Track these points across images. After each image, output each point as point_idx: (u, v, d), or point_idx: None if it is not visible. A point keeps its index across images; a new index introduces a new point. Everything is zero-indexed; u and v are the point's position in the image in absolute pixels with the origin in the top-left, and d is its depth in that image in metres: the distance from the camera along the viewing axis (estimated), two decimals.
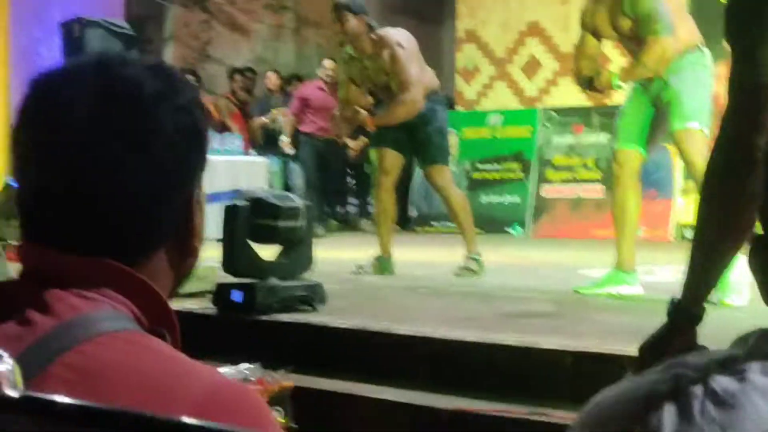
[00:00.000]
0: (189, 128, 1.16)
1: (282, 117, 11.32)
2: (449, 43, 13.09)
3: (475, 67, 11.96)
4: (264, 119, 11.70)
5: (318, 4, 14.36)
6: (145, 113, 1.12)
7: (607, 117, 10.25)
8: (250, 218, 4.48)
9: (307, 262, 4.69)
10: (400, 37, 6.65)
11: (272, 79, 11.95)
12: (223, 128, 11.38)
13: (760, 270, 0.96)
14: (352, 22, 6.56)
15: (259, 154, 11.28)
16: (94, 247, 1.11)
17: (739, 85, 1.77)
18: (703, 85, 5.25)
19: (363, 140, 11.53)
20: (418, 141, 6.66)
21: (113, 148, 1.10)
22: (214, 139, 10.20)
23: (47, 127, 1.12)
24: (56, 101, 1.12)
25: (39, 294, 1.08)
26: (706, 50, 5.34)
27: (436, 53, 13.95)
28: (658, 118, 5.30)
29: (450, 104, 12.06)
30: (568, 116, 10.63)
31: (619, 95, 10.75)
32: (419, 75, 6.56)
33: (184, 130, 1.15)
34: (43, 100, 1.14)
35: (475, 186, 11.04)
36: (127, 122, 1.11)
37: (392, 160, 6.77)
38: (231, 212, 4.56)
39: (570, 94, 10.85)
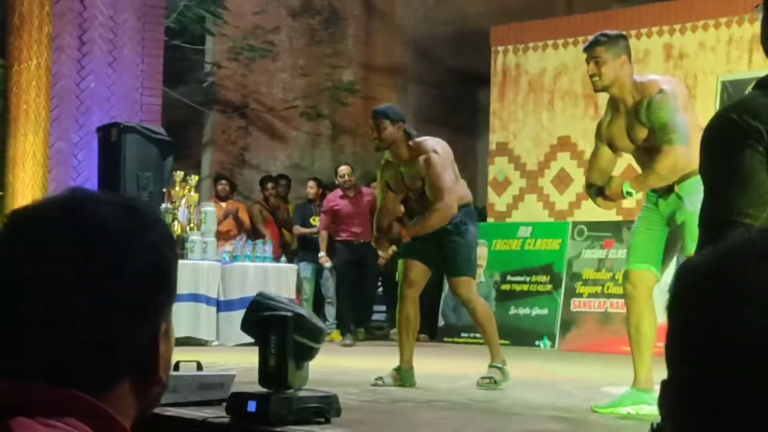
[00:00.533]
0: (157, 266, 1.20)
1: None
2: (482, 155, 13.22)
3: (507, 179, 12.06)
4: (303, 230, 11.78)
5: (353, 112, 14.59)
6: (114, 252, 1.17)
7: None
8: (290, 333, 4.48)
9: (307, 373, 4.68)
10: (436, 144, 6.77)
11: (312, 188, 12.05)
12: (255, 234, 11.47)
13: (671, 414, 0.98)
14: (390, 129, 6.69)
15: (292, 260, 11.36)
16: (60, 377, 1.16)
17: (706, 220, 1.84)
18: None
19: (393, 249, 11.55)
20: (447, 253, 6.72)
21: (82, 284, 1.16)
22: (247, 246, 10.29)
23: (18, 262, 1.17)
24: (28, 239, 1.18)
25: (4, 421, 1.13)
26: None
27: (469, 165, 14.09)
28: (672, 238, 5.30)
29: (481, 215, 12.13)
30: (598, 230, 10.65)
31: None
32: (453, 182, 6.67)
33: (152, 267, 1.19)
34: (15, 236, 1.19)
35: (504, 298, 11.04)
36: (97, 260, 1.17)
37: (418, 272, 6.83)
38: (279, 322, 4.52)
39: (599, 209, 10.90)
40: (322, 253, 11.23)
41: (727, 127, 1.89)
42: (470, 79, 13.91)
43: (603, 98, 10.97)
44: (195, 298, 9.58)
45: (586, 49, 5.58)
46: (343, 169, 11.33)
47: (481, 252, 11.22)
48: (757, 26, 7.86)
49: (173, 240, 1.27)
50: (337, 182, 11.45)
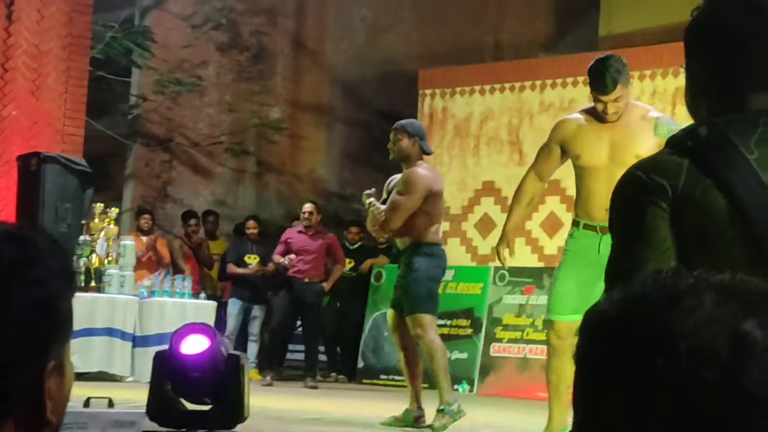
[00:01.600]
0: (42, 301, 1.13)
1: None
2: None
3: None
4: (236, 269, 11.70)
5: (279, 150, 14.56)
6: None
7: None
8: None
9: (238, 412, 4.62)
10: (431, 173, 6.94)
11: (251, 228, 11.98)
12: (175, 269, 11.36)
13: None
14: (405, 142, 6.93)
15: (215, 297, 11.26)
16: None
17: (610, 273, 1.92)
18: None
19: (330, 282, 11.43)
20: (399, 293, 6.86)
21: None
22: (166, 281, 10.18)
23: None
24: None
25: None
26: None
27: None
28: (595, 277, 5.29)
29: None
30: (519, 276, 10.71)
31: None
32: (410, 207, 6.74)
33: (36, 302, 1.12)
34: None
35: None
36: None
37: (392, 318, 6.98)
38: (160, 359, 4.50)
39: (523, 255, 10.98)
40: (291, 256, 11.07)
41: (632, 184, 1.94)
42: (397, 121, 13.94)
43: (528, 146, 11.16)
44: (110, 332, 9.44)
45: (605, 93, 5.30)
46: (307, 207, 11.29)
47: None
48: (680, 79, 7.96)
49: (67, 272, 1.18)
50: (300, 218, 11.40)
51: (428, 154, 7.09)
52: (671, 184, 1.91)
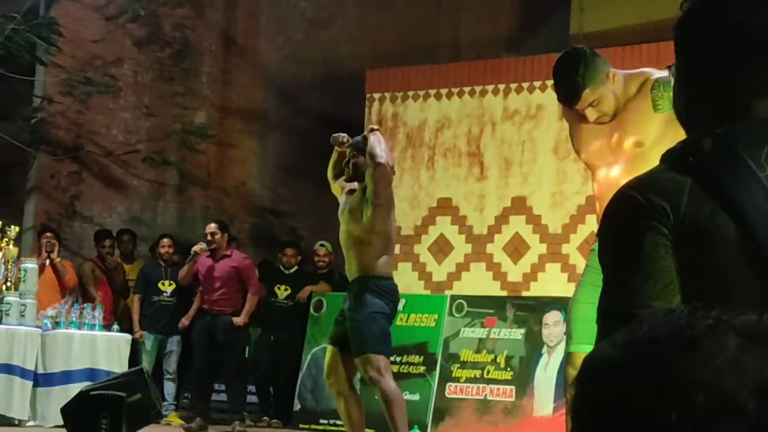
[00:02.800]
0: None
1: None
2: None
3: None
4: (136, 310, 11.62)
5: (205, 160, 14.44)
6: None
7: (523, 309, 10.33)
8: None
9: None
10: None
11: (168, 246, 11.87)
12: (84, 297, 11.22)
13: None
14: (361, 159, 7.29)
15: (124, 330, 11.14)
16: None
17: (605, 309, 1.88)
18: None
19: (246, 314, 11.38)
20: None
21: None
22: (74, 311, 10.04)
23: None
24: None
25: None
26: None
27: (335, 225, 14.03)
28: None
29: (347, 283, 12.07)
30: (479, 306, 10.68)
31: (540, 286, 10.83)
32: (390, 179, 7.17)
33: None
34: None
35: None
36: None
37: (331, 357, 7.17)
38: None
39: (483, 282, 10.97)
40: (184, 319, 11.17)
41: (628, 207, 1.86)
42: (341, 129, 13.81)
43: (490, 157, 11.15)
44: (8, 369, 9.33)
45: (568, 105, 5.06)
46: (210, 227, 11.25)
47: None
48: None
49: None
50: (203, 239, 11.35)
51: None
52: (672, 206, 1.84)
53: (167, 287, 11.63)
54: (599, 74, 4.93)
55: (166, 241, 11.95)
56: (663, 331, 0.94)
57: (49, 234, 11.59)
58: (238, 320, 11.04)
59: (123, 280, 12.05)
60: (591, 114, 4.99)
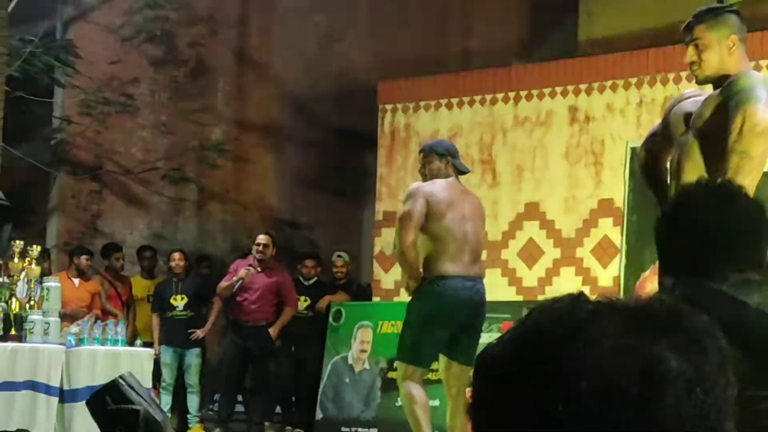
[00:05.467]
0: None
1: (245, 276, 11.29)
2: (368, 225, 13.26)
3: (395, 253, 12.07)
4: (155, 326, 11.70)
5: (223, 176, 14.54)
6: None
7: None
8: None
9: None
10: (436, 186, 7.13)
11: (178, 260, 11.95)
12: (104, 313, 11.32)
13: None
14: (436, 164, 7.22)
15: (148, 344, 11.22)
16: None
17: None
18: None
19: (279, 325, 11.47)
20: None
21: None
22: (96, 327, 10.11)
23: None
24: None
25: None
26: None
27: (353, 235, 14.11)
28: None
29: (366, 293, 12.14)
30: (495, 311, 10.70)
31: (555, 290, 10.86)
32: (416, 215, 7.00)
33: None
34: None
35: (391, 387, 10.98)
36: None
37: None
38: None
39: (499, 287, 11.01)
40: (199, 331, 11.21)
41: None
42: (356, 140, 14.00)
43: (502, 164, 11.20)
44: (33, 386, 9.34)
45: (684, 30, 5.05)
46: (261, 238, 11.36)
47: (365, 335, 11.21)
48: (670, 87, 8.06)
49: None
50: (252, 251, 11.42)
51: (464, 173, 7.35)
52: None
53: (179, 302, 11.70)
54: (722, 26, 4.98)
55: (176, 255, 12.03)
56: (546, 321, 0.94)
57: (85, 255, 11.68)
58: (273, 331, 11.16)
59: (129, 294, 12.16)
60: (689, 55, 5.00)
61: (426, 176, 7.25)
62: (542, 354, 0.92)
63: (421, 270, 7.08)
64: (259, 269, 11.21)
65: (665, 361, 0.88)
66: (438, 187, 7.13)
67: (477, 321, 7.09)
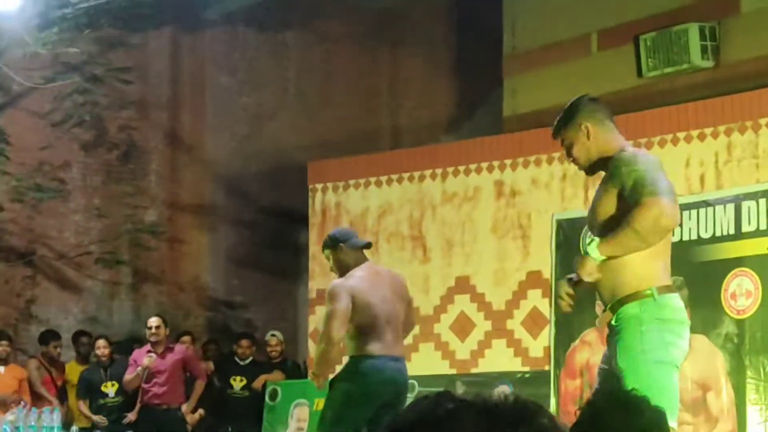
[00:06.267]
0: None
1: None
2: (303, 303, 13.35)
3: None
4: (87, 412, 11.62)
5: (158, 257, 14.57)
6: None
7: (472, 386, 10.50)
8: None
9: None
10: (351, 280, 7.18)
11: (103, 347, 11.92)
12: (36, 398, 11.29)
13: None
14: (335, 255, 7.31)
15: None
16: None
17: None
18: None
19: (200, 413, 11.57)
20: None
21: None
22: (32, 414, 10.08)
23: None
24: None
25: None
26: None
27: (288, 314, 14.20)
28: None
29: (300, 372, 12.20)
30: (429, 385, 10.81)
31: (488, 362, 10.95)
32: (342, 313, 7.02)
33: None
34: None
35: None
36: None
37: None
38: None
39: (432, 361, 11.14)
40: (131, 415, 11.20)
41: None
42: (289, 219, 14.13)
43: (432, 240, 11.36)
44: None
45: (553, 137, 5.35)
46: (152, 321, 11.38)
47: (301, 413, 11.27)
48: None
49: None
50: (146, 335, 11.47)
51: (362, 248, 7.32)
52: None
53: (110, 388, 11.66)
54: (573, 118, 5.23)
55: (101, 342, 11.97)
56: (413, 416, 1.07)
57: (4, 342, 11.65)
58: (187, 408, 11.21)
59: (62, 385, 12.09)
60: (566, 156, 5.33)
61: (338, 270, 7.31)
62: None
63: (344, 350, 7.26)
64: (158, 352, 11.27)
65: None
66: (357, 279, 7.18)
67: (399, 400, 7.13)
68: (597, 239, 5.03)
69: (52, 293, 14.17)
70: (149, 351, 11.27)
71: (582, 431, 2.64)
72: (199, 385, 11.41)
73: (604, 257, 4.92)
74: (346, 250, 7.25)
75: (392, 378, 7.15)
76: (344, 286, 7.13)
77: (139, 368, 11.18)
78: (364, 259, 7.34)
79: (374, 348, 7.13)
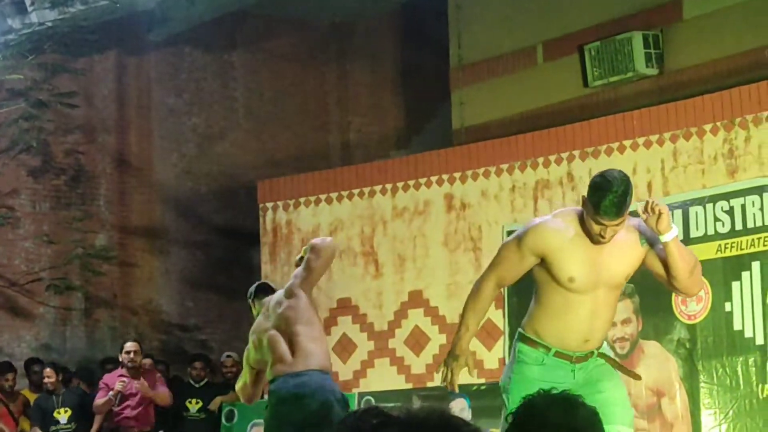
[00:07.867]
0: None
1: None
2: None
3: None
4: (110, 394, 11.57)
5: (109, 282, 14.52)
6: None
7: (428, 400, 10.53)
8: None
9: None
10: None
11: (50, 376, 11.84)
12: None
13: None
14: (254, 309, 7.58)
15: None
16: None
17: None
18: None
19: None
20: None
21: None
22: None
23: None
24: None
25: None
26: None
27: (243, 333, 14.16)
28: None
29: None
30: (386, 400, 10.84)
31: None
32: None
33: None
34: None
35: None
36: None
37: None
38: None
39: (388, 376, 11.17)
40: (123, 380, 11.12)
41: None
42: (240, 239, 14.13)
43: (384, 255, 11.40)
44: None
45: (611, 219, 5.26)
46: (130, 345, 11.38)
47: None
48: (540, 171, 8.41)
49: None
50: (121, 359, 11.40)
51: (258, 295, 7.62)
52: None
53: (63, 415, 11.59)
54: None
55: (48, 371, 11.87)
56: (342, 430, 1.11)
57: None
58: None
59: (21, 411, 12.01)
60: (609, 232, 5.25)
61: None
62: None
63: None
64: (136, 377, 11.25)
65: None
66: (255, 324, 7.55)
67: (320, 416, 6.99)
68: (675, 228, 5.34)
69: (4, 321, 14.09)
70: (121, 375, 11.21)
71: (522, 427, 2.77)
72: (162, 391, 11.49)
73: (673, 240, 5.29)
74: (256, 305, 7.64)
75: (292, 394, 7.05)
76: (251, 338, 7.51)
77: (111, 393, 11.13)
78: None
79: (274, 371, 7.23)
